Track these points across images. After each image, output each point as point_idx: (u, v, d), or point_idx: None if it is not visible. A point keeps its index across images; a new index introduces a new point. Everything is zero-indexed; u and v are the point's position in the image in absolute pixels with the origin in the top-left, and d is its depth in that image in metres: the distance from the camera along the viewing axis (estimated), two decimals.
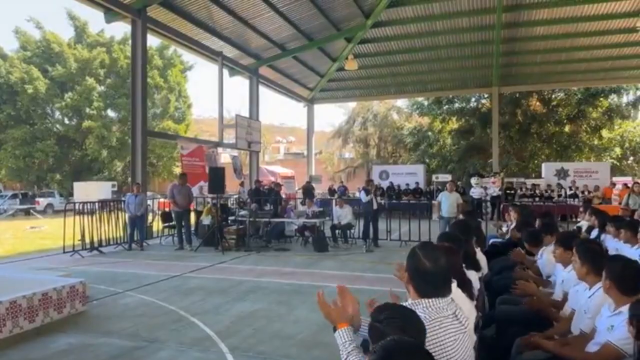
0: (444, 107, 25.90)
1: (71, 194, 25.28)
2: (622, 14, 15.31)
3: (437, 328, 1.91)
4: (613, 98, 23.36)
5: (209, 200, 12.04)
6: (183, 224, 10.76)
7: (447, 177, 19.63)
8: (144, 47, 12.30)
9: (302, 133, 32.31)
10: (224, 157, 23.31)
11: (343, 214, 10.87)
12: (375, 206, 10.71)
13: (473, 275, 2.84)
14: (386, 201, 13.13)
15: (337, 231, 10.92)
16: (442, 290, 2.00)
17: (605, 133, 23.77)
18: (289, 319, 5.15)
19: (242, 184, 14.28)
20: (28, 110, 28.96)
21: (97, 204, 10.80)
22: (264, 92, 18.67)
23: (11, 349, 4.27)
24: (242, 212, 11.15)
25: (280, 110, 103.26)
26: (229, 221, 11.53)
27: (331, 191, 20.10)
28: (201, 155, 14.52)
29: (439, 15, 16.36)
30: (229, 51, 16.10)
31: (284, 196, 14.79)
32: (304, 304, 5.77)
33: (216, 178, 10.67)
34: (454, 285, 2.20)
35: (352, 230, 11.03)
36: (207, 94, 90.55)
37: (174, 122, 32.19)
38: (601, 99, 23.17)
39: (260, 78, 18.56)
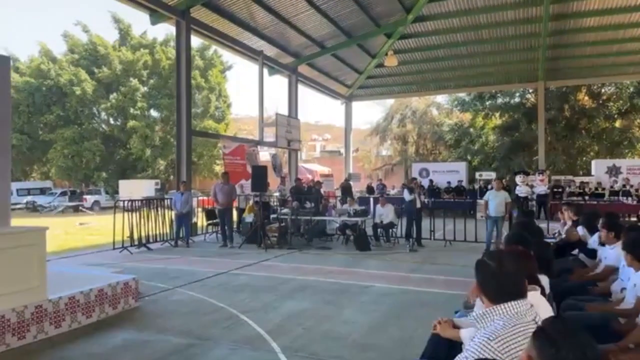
0: (487, 103, 25.18)
1: (117, 192, 26.21)
2: None
3: (520, 336, 1.78)
4: None
5: (251, 197, 12.13)
6: (226, 221, 10.90)
7: (492, 175, 19.14)
8: (188, 48, 12.53)
9: (338, 131, 32.22)
10: (263, 156, 23.57)
11: (385, 212, 10.71)
12: (418, 205, 10.51)
13: (545, 280, 2.68)
14: (430, 200, 12.84)
15: (379, 230, 10.78)
16: (515, 293, 1.87)
17: None
18: (338, 319, 5.09)
19: (283, 181, 14.33)
20: (76, 111, 30.20)
21: (142, 201, 11.10)
22: (300, 89, 18.68)
23: (71, 344, 4.40)
24: (284, 210, 11.19)
25: (316, 108, 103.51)
26: (271, 219, 11.59)
27: (370, 189, 19.92)
28: (242, 154, 14.67)
29: (482, 8, 15.87)
30: (269, 50, 16.20)
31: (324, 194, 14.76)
32: (352, 304, 5.69)
33: (259, 176, 10.75)
34: (537, 292, 2.08)
35: (395, 230, 10.86)
36: (245, 92, 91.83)
37: (214, 121, 32.79)
38: None
39: (299, 76, 18.59)
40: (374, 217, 11.24)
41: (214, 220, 11.91)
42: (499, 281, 1.88)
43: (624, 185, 17.14)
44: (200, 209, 13.97)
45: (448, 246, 10.58)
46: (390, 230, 10.70)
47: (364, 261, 8.80)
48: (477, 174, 19.72)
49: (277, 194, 14.57)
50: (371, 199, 15.34)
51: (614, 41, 17.00)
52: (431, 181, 19.39)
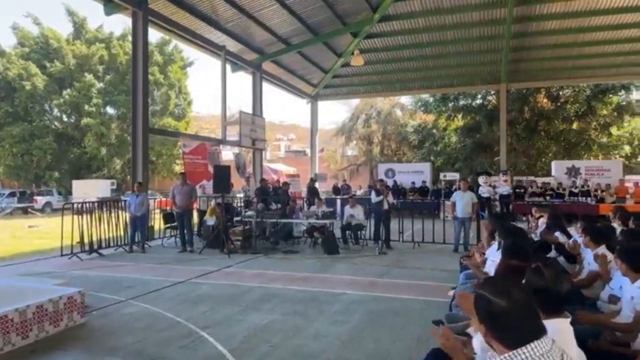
0: (449, 105, 25.44)
1: (70, 192, 24.84)
2: (636, 7, 14.80)
3: None
4: (622, 95, 22.87)
5: (213, 199, 11.57)
6: (185, 224, 10.29)
7: (455, 176, 19.25)
8: (145, 41, 11.82)
9: (302, 131, 31.88)
10: (226, 155, 22.87)
11: (355, 214, 10.40)
12: (386, 206, 10.25)
13: None
14: (398, 201, 12.64)
15: (347, 232, 10.46)
16: (534, 331, 1.51)
17: (614, 130, 23.31)
18: (308, 332, 4.69)
19: (248, 180, 13.79)
20: (26, 107, 28.46)
21: (95, 203, 10.34)
22: (265, 87, 18.22)
23: None
24: (249, 212, 10.70)
25: (280, 107, 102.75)
26: (235, 221, 11.07)
27: (336, 190, 19.62)
28: (203, 153, 14.04)
29: (448, 9, 15.86)
30: (232, 46, 15.63)
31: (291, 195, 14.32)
32: (322, 315, 5.31)
33: (221, 176, 10.20)
34: (560, 318, 1.74)
35: (363, 231, 10.57)
36: (207, 90, 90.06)
37: (174, 119, 31.71)
38: (611, 95, 22.69)
39: (264, 74, 18.08)
40: (342, 218, 10.93)
41: (173, 224, 11.25)
42: (514, 322, 1.51)
43: (582, 186, 17.59)
44: (158, 211, 13.24)
45: (416, 248, 10.40)
46: (359, 232, 10.40)
47: (332, 265, 8.44)
48: (441, 175, 19.80)
49: (241, 195, 14.04)
50: (338, 201, 15.00)
51: (574, 44, 17.38)
52: (395, 182, 19.30)
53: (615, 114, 22.89)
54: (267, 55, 17.38)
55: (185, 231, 10.25)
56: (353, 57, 18.00)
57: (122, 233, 10.53)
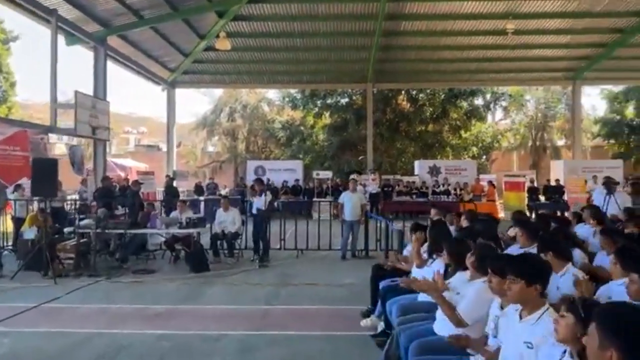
0: (318, 102, 24.91)
1: None
2: (493, 14, 15.57)
3: None
4: (471, 100, 24.83)
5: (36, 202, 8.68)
6: None
7: (328, 174, 18.62)
8: None
9: (155, 124, 28.44)
10: (60, 148, 18.86)
11: (229, 219, 8.57)
12: (260, 208, 8.69)
13: None
14: (279, 203, 11.16)
15: (219, 242, 8.60)
16: None
17: (463, 133, 25.19)
18: None
19: (83, 182, 10.94)
20: None
21: None
22: (114, 70, 15.17)
23: None
24: (85, 222, 8.13)
25: (129, 98, 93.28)
26: (66, 233, 8.39)
27: (199, 189, 17.33)
28: (24, 143, 10.78)
29: None
30: (67, 12, 12.45)
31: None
32: None
33: (45, 173, 7.49)
34: None
35: (239, 240, 8.82)
36: (39, 74, 77.27)
37: None
38: (462, 100, 24.44)
39: (110, 51, 14.99)
40: (212, 224, 9.01)
41: None
42: None
43: (443, 184, 18.30)
44: None
45: (300, 256, 9.04)
46: (234, 241, 8.61)
47: (203, 290, 6.57)
48: (314, 173, 18.91)
49: (75, 197, 11.13)
50: (202, 203, 12.95)
51: (436, 47, 17.92)
52: (268, 180, 17.80)
53: (465, 117, 24.73)
54: (114, 28, 14.37)
55: None
56: (218, 40, 15.97)
57: None
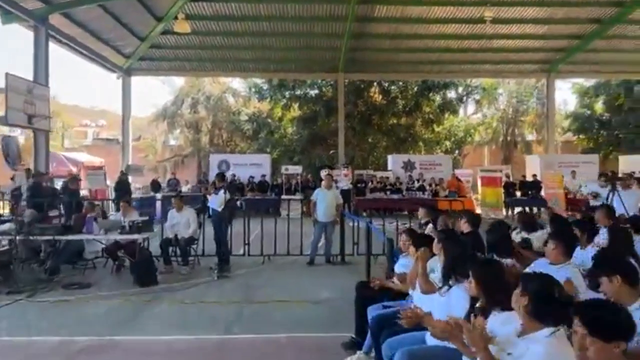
0: (286, 93, 23.68)
1: None
2: (471, 1, 14.77)
3: None
4: (444, 93, 24.17)
5: None
6: None
7: (298, 169, 17.49)
8: None
9: (115, 117, 26.31)
10: None
11: (183, 221, 7.33)
12: (218, 208, 7.52)
13: None
14: (242, 201, 9.96)
15: (171, 248, 7.36)
16: None
17: (436, 127, 24.54)
18: None
19: (13, 178, 9.43)
20: None
21: None
22: (63, 55, 13.47)
23: None
24: (5, 226, 6.73)
25: (90, 91, 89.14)
26: None
27: (156, 185, 15.85)
28: None
29: None
30: None
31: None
32: None
33: None
34: None
35: (195, 246, 7.60)
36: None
37: None
38: (435, 93, 23.75)
39: (53, 31, 13.31)
40: (163, 226, 7.77)
41: None
42: None
43: (418, 180, 17.50)
44: None
45: (267, 262, 7.92)
46: (189, 247, 7.38)
47: (147, 310, 5.35)
48: (283, 168, 17.68)
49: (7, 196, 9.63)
50: (157, 202, 11.61)
51: (411, 36, 17.01)
52: (233, 175, 16.50)
53: (438, 110, 24.05)
54: (57, 5, 12.71)
55: None
56: (177, 22, 14.53)
57: None
